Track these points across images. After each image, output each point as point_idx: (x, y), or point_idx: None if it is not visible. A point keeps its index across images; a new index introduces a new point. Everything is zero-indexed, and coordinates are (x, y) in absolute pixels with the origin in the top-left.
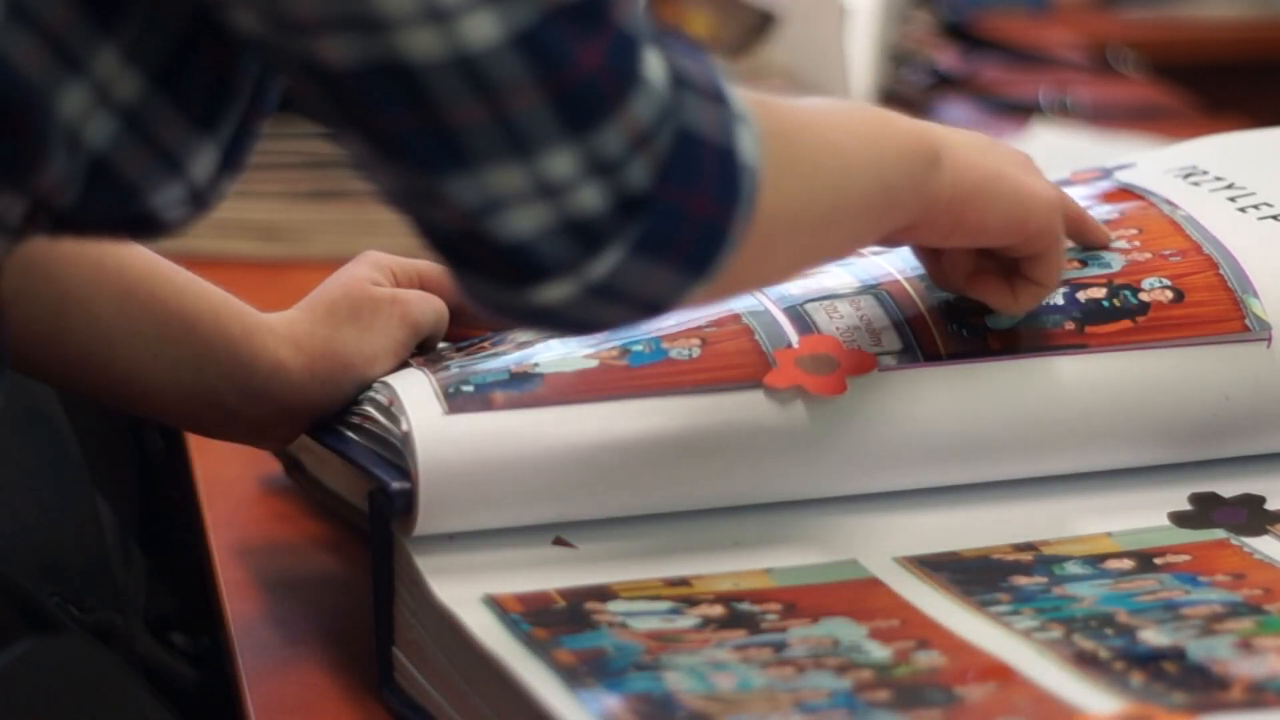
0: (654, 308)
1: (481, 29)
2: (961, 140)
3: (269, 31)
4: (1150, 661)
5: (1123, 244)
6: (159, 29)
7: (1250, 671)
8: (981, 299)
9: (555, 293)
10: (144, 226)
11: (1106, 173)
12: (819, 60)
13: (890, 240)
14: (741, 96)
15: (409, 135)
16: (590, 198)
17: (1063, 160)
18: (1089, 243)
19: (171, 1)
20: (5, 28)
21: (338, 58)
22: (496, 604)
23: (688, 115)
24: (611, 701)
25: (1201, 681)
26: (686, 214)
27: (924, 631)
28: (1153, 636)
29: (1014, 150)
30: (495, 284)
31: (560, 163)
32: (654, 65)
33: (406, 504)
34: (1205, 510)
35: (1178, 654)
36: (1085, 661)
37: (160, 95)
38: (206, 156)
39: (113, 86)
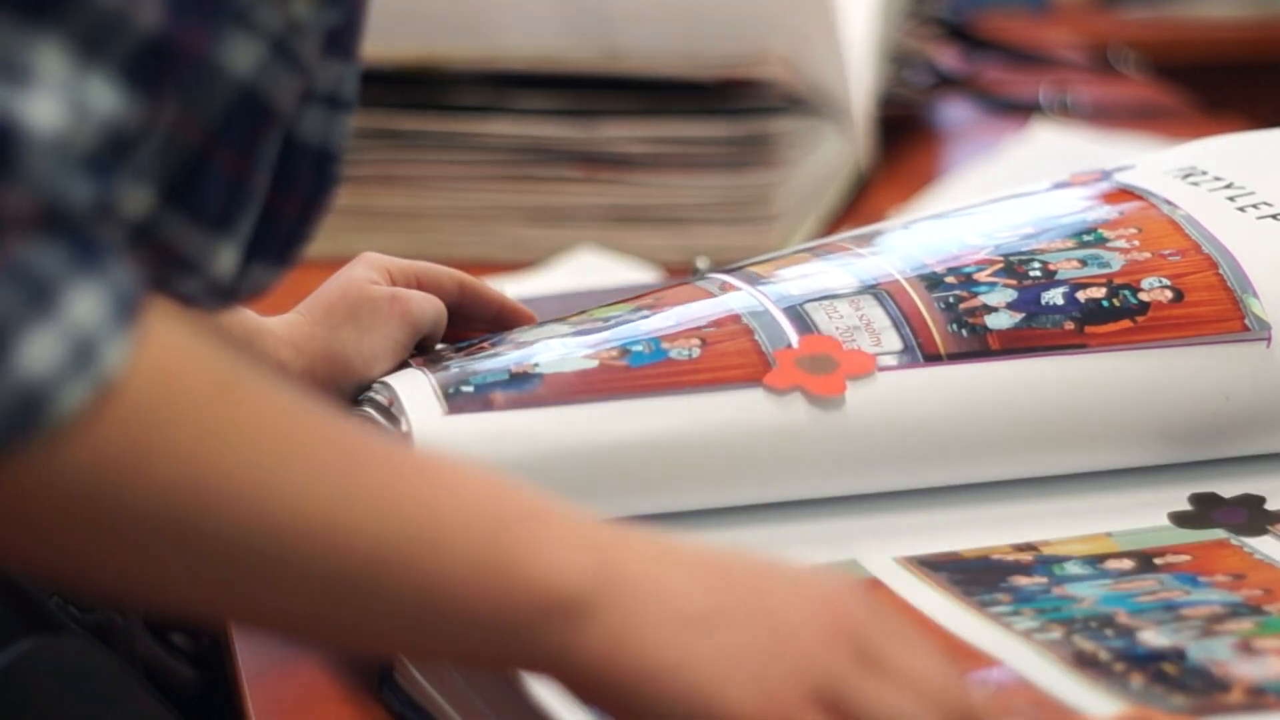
0: None
1: None
2: (664, 600)
3: None
4: (1150, 663)
5: (1122, 244)
6: (169, 152)
7: (1250, 673)
8: None
9: None
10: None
11: (1106, 174)
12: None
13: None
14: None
15: None
16: None
17: (1063, 160)
18: None
19: (188, 124)
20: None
21: None
22: None
23: None
24: None
25: (1202, 683)
26: None
27: (923, 632)
28: (1153, 638)
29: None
30: None
31: None
32: None
33: None
34: (1205, 510)
35: (1178, 655)
36: (1085, 663)
37: (170, 210)
38: (225, 255)
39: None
